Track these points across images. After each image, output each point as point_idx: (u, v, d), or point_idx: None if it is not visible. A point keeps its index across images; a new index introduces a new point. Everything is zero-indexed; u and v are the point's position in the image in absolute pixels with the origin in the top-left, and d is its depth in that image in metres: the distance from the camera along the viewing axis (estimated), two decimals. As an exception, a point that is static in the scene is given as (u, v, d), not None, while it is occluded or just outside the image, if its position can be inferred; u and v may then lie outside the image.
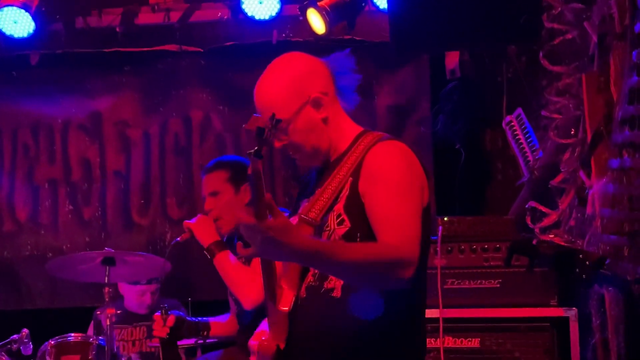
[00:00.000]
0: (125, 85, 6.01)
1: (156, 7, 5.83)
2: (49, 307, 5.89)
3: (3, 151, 6.01)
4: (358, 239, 2.64)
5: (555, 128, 4.18)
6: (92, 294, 5.58)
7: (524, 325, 4.06)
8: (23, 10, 5.50)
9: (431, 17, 4.61)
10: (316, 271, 2.69)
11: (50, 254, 5.83)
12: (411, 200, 2.64)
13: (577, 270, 3.02)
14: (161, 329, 4.16)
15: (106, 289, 4.52)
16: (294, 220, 2.76)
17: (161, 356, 4.21)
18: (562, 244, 3.83)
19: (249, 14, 5.49)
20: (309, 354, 2.68)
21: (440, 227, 4.20)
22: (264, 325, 2.81)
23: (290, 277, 2.71)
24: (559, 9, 4.05)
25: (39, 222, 5.96)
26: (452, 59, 5.54)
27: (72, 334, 4.65)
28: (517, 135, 4.95)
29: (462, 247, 4.20)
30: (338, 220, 2.68)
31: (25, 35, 5.60)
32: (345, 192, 2.69)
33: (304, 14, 5.22)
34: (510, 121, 5.00)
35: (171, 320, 4.17)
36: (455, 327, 4.10)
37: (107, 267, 4.51)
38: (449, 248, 4.20)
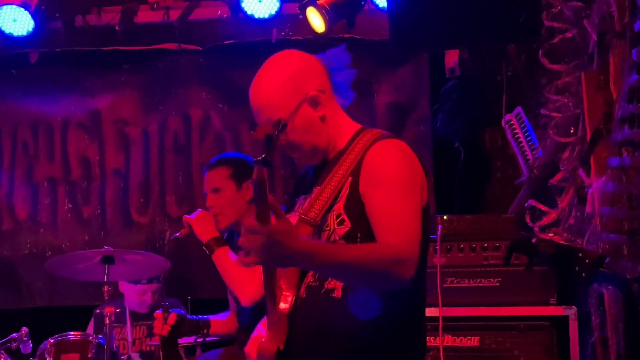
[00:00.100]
0: (124, 83, 6.01)
1: (155, 5, 5.83)
2: (49, 306, 5.89)
3: (2, 149, 6.01)
4: (359, 239, 2.62)
5: (555, 126, 4.18)
6: (91, 293, 5.58)
7: (523, 323, 4.06)
8: (22, 9, 5.51)
9: (431, 15, 4.60)
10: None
11: (49, 253, 5.83)
12: (411, 200, 2.63)
13: (577, 268, 3.02)
14: (162, 327, 4.16)
15: (105, 288, 4.53)
16: (292, 218, 2.75)
17: (161, 354, 4.21)
18: (562, 242, 3.83)
19: (249, 12, 5.49)
20: (310, 355, 2.67)
21: (440, 226, 4.20)
22: (260, 329, 2.79)
23: (289, 277, 2.70)
24: (559, 7, 4.05)
25: (38, 221, 5.96)
26: (452, 58, 5.54)
27: (72, 333, 4.64)
28: (516, 133, 4.95)
29: (462, 245, 4.20)
30: (338, 220, 2.67)
31: (25, 33, 5.60)
32: (345, 192, 2.68)
33: (303, 12, 5.22)
34: (510, 120, 5.00)
35: (172, 318, 4.17)
36: (454, 325, 4.11)
37: (107, 266, 4.51)
38: (449, 247, 4.20)
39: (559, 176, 4.10)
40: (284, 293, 2.68)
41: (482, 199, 5.70)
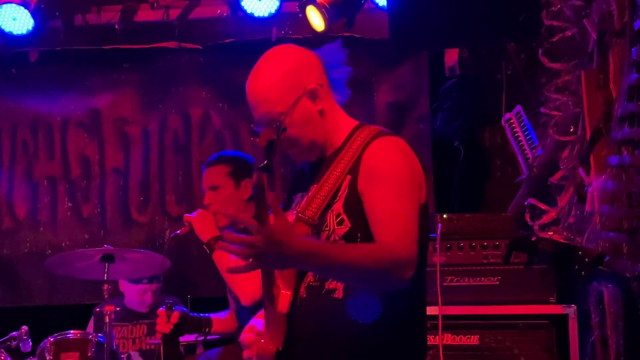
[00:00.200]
0: (124, 82, 6.01)
1: (155, 4, 5.83)
2: (48, 304, 5.89)
3: (2, 148, 6.00)
4: (359, 239, 2.60)
5: (555, 125, 4.18)
6: (91, 291, 5.59)
7: (523, 322, 4.05)
8: (22, 7, 5.50)
9: (430, 14, 4.61)
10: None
11: (49, 251, 5.83)
12: (410, 199, 2.60)
13: (576, 267, 3.02)
14: (165, 324, 4.16)
15: (105, 286, 4.52)
16: (290, 217, 2.72)
17: (162, 352, 4.21)
18: (561, 241, 3.83)
19: (248, 11, 5.49)
20: (310, 355, 2.65)
21: (440, 225, 4.20)
22: (254, 321, 2.77)
23: (287, 277, 2.67)
24: (558, 6, 4.06)
25: (38, 219, 5.96)
26: (452, 56, 5.54)
27: (72, 331, 4.64)
28: (516, 132, 4.95)
29: (461, 244, 4.19)
30: (338, 220, 2.64)
31: (24, 32, 5.60)
32: (344, 191, 2.65)
33: (303, 11, 5.22)
34: (510, 118, 5.00)
35: (175, 316, 4.17)
36: (454, 324, 4.10)
37: (106, 264, 4.51)
38: (448, 245, 4.20)
39: (558, 175, 4.11)
40: (282, 293, 2.66)
41: (481, 198, 5.70)
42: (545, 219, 4.13)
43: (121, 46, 5.87)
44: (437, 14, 4.57)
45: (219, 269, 4.16)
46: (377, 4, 5.44)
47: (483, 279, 4.16)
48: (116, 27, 5.76)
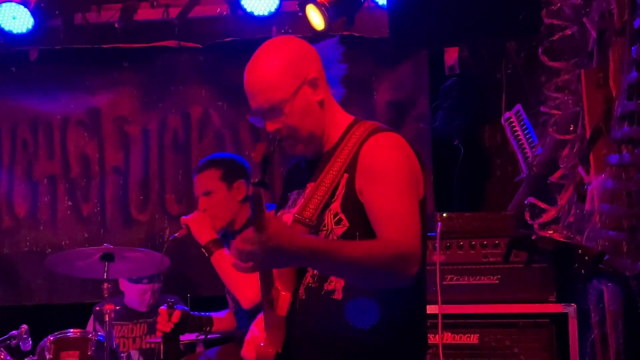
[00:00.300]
0: (124, 81, 6.01)
1: (155, 2, 5.83)
2: (48, 303, 5.89)
3: (2, 147, 6.00)
4: (357, 239, 2.58)
5: (554, 124, 4.18)
6: (91, 290, 5.59)
7: (522, 321, 4.06)
8: (22, 6, 5.51)
9: (430, 13, 4.61)
10: (315, 272, 2.64)
11: (49, 250, 5.83)
12: (410, 195, 2.59)
13: (576, 266, 3.01)
14: (166, 323, 4.16)
15: (105, 285, 4.52)
16: (286, 216, 2.72)
17: (162, 350, 4.21)
18: (561, 239, 3.82)
19: (248, 9, 5.49)
20: (310, 357, 2.64)
21: (439, 223, 4.20)
22: (253, 330, 2.76)
23: (285, 279, 2.66)
24: (558, 4, 4.05)
25: (38, 218, 5.96)
26: (451, 55, 5.54)
27: (71, 330, 4.65)
28: (516, 131, 4.95)
29: (461, 243, 4.19)
30: (335, 219, 2.62)
31: (24, 31, 5.60)
32: (342, 190, 2.63)
33: (303, 9, 5.22)
34: (509, 117, 5.00)
35: (176, 316, 4.17)
36: (454, 323, 4.10)
37: (106, 263, 4.51)
38: (448, 244, 4.20)
39: (558, 174, 4.11)
40: (281, 295, 2.64)
41: (481, 197, 5.70)
42: (545, 217, 4.13)
43: (121, 45, 5.87)
44: (437, 13, 4.58)
45: (218, 272, 4.15)
46: (377, 3, 5.44)
47: (483, 277, 4.16)
48: (116, 25, 5.76)
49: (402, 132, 2.73)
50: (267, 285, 2.65)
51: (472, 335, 4.12)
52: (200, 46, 5.90)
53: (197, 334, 4.38)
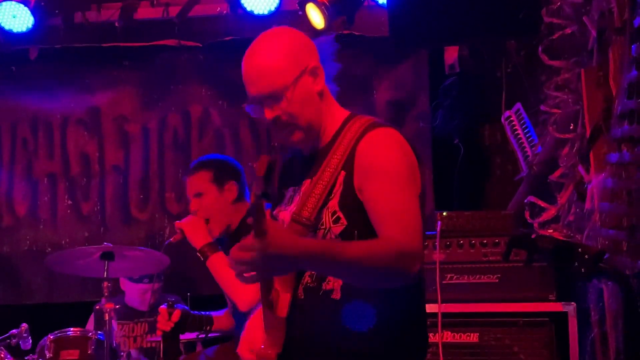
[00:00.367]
0: (124, 80, 6.01)
1: (155, 1, 5.82)
2: (48, 302, 5.89)
3: (2, 146, 6.01)
4: (355, 237, 2.56)
5: (554, 123, 4.18)
6: (91, 289, 5.59)
7: (522, 320, 4.06)
8: (22, 5, 5.50)
9: (430, 11, 4.61)
10: (313, 272, 2.62)
11: (49, 249, 5.84)
12: (409, 191, 2.56)
13: (576, 264, 3.01)
14: (165, 322, 4.16)
15: (105, 284, 4.52)
16: (283, 213, 2.71)
17: (162, 350, 4.22)
18: (561, 238, 3.83)
19: (248, 8, 5.48)
20: (310, 357, 2.62)
21: (439, 222, 4.20)
22: (249, 327, 2.74)
23: (284, 280, 2.64)
24: (558, 3, 4.06)
25: (38, 217, 5.96)
26: (451, 54, 5.54)
27: (71, 329, 4.64)
28: (516, 130, 4.95)
29: (461, 242, 4.20)
30: (333, 218, 2.59)
31: (24, 29, 5.60)
32: (339, 187, 2.60)
33: (303, 8, 5.21)
34: (509, 116, 5.00)
35: (176, 315, 4.17)
36: (454, 322, 4.10)
37: (106, 262, 4.50)
38: (448, 243, 4.20)
39: (558, 172, 4.11)
40: (281, 296, 2.63)
41: (481, 196, 5.70)
42: (545, 216, 4.13)
43: (121, 44, 5.87)
44: (437, 12, 4.58)
45: (214, 276, 4.16)
46: (377, 2, 5.44)
47: (483, 276, 4.16)
48: (116, 24, 5.76)
49: (402, 131, 2.71)
50: (266, 286, 2.64)
51: (472, 334, 4.12)
52: (200, 45, 5.90)
53: (197, 333, 4.38)
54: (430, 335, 3.93)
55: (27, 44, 5.81)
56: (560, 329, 4.02)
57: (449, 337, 4.11)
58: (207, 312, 4.41)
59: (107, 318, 4.46)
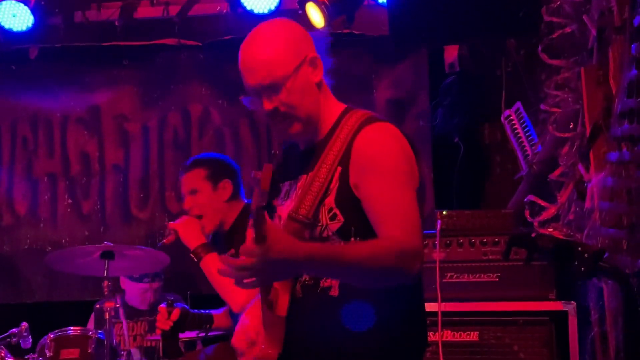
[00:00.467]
0: (124, 79, 6.01)
1: (155, 0, 5.82)
2: (48, 301, 5.89)
3: (2, 145, 6.01)
4: (352, 233, 2.55)
5: (554, 122, 4.18)
6: (91, 288, 5.59)
7: (522, 318, 4.06)
8: (22, 4, 5.51)
9: (430, 10, 4.61)
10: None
11: (49, 248, 5.84)
12: (408, 188, 2.54)
13: (576, 263, 3.01)
14: (165, 321, 4.16)
15: (105, 283, 4.52)
16: (281, 209, 2.70)
17: (161, 349, 4.22)
18: (561, 237, 3.83)
19: (248, 7, 5.48)
20: (310, 355, 2.61)
21: (439, 221, 4.20)
22: (244, 319, 2.73)
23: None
24: (558, 2, 4.06)
25: (38, 216, 5.96)
26: (451, 53, 5.54)
27: (72, 328, 4.64)
28: (515, 129, 4.95)
29: (461, 240, 4.20)
30: (330, 215, 2.57)
31: (24, 29, 5.60)
32: (335, 184, 2.58)
33: (303, 7, 5.21)
34: (509, 115, 5.00)
35: (176, 314, 4.17)
36: (454, 320, 4.11)
37: (106, 261, 4.50)
38: (448, 242, 4.20)
39: (558, 171, 4.11)
40: (280, 296, 2.62)
41: (481, 194, 5.70)
42: (544, 215, 4.13)
43: (121, 43, 5.87)
44: (437, 11, 4.58)
45: (208, 277, 4.16)
46: (376, 1, 5.44)
47: (483, 275, 4.16)
48: (116, 23, 5.76)
49: (402, 130, 2.70)
50: (266, 287, 2.63)
51: (472, 333, 4.12)
52: (200, 44, 5.90)
53: (197, 331, 4.38)
54: (430, 334, 3.95)
55: (27, 43, 5.81)
56: (560, 328, 4.02)
57: (448, 335, 4.12)
58: (207, 311, 4.41)
59: (107, 317, 4.45)
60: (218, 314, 4.45)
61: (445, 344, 4.06)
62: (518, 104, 4.98)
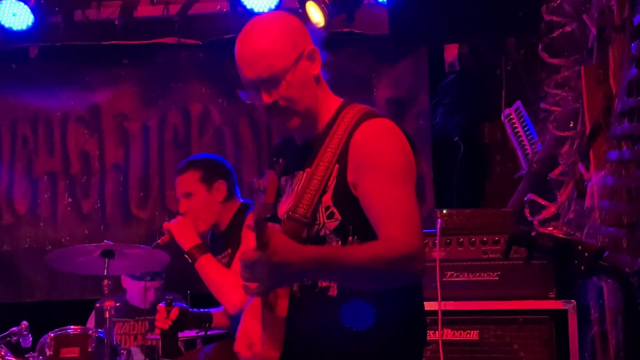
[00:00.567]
0: (124, 78, 6.01)
1: (155, -1, 5.84)
2: (48, 300, 5.89)
3: (2, 144, 6.01)
4: (350, 232, 2.53)
5: (554, 121, 4.18)
6: (91, 287, 5.60)
7: (522, 317, 4.06)
8: (22, 3, 5.51)
9: (430, 9, 4.61)
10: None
11: (49, 247, 5.84)
12: (408, 185, 2.52)
13: (576, 262, 3.01)
14: (163, 320, 4.16)
15: (105, 282, 4.52)
16: (280, 206, 2.68)
17: (160, 348, 4.22)
18: (561, 236, 3.82)
19: (248, 6, 5.48)
20: (309, 356, 2.60)
21: (439, 220, 4.20)
22: (244, 320, 2.72)
23: None
24: (558, 1, 4.05)
25: (38, 215, 5.96)
26: (451, 52, 5.54)
27: (72, 327, 4.64)
28: (516, 128, 4.95)
29: (461, 239, 4.20)
30: (327, 213, 2.55)
31: (24, 27, 5.60)
32: (333, 182, 2.55)
33: (303, 6, 5.21)
34: (509, 114, 5.00)
35: (174, 313, 4.17)
36: (454, 319, 4.11)
37: (106, 260, 4.50)
38: (448, 240, 4.20)
39: (558, 170, 4.10)
40: (280, 297, 2.60)
41: (481, 193, 5.70)
42: (544, 214, 4.13)
43: (121, 42, 5.87)
44: (437, 10, 4.58)
45: (202, 278, 4.17)
46: (376, 0, 5.44)
47: (483, 274, 4.17)
48: (116, 22, 5.76)
49: (400, 126, 2.68)
50: None
51: (472, 332, 4.12)
52: (200, 43, 5.90)
53: (196, 330, 4.38)
54: (430, 332, 3.95)
55: (27, 42, 5.82)
56: (560, 327, 4.02)
57: (448, 334, 4.12)
58: (207, 310, 4.41)
59: (107, 316, 4.46)
60: (217, 313, 4.45)
61: (445, 342, 4.06)
62: (518, 103, 4.98)
